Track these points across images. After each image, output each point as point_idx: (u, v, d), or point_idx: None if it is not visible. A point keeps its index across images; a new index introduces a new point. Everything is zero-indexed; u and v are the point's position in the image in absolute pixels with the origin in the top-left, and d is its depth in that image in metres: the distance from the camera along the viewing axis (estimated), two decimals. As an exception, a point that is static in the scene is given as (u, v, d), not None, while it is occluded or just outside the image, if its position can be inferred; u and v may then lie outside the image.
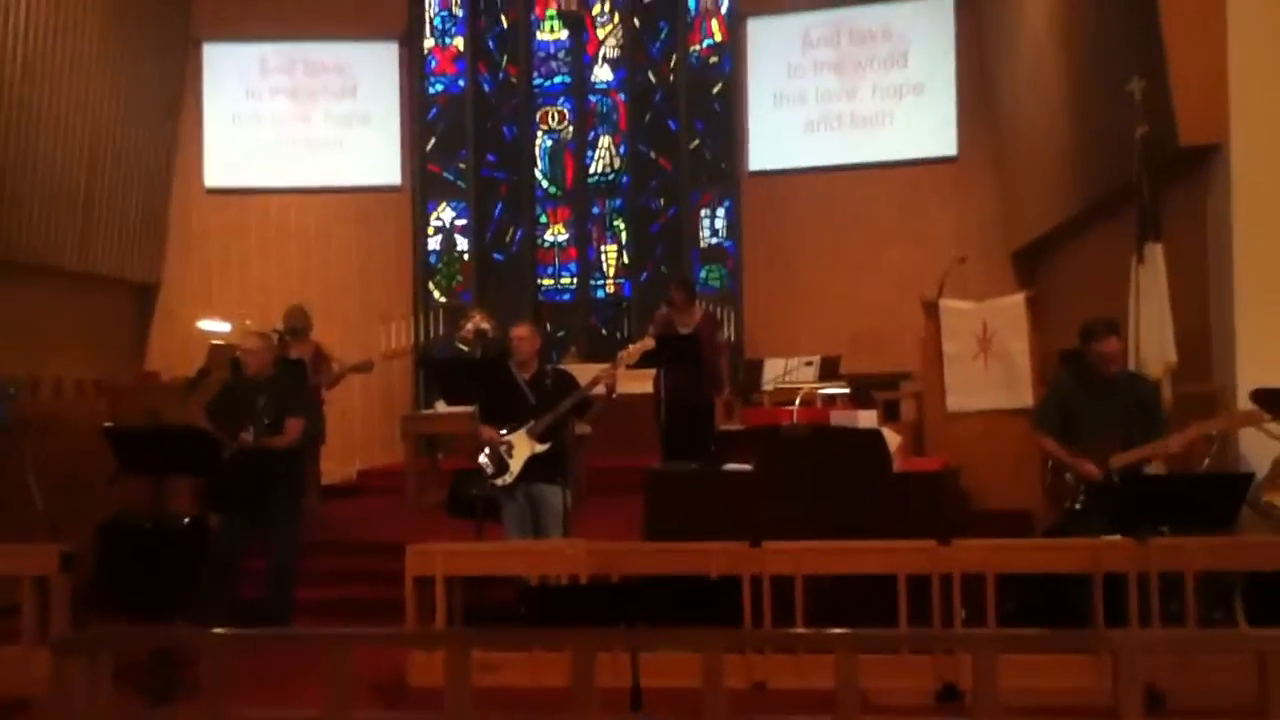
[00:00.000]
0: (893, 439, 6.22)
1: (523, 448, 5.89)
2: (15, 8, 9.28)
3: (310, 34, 12.03)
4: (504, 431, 5.94)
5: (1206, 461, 5.86)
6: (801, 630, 4.82)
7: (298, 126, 12.14)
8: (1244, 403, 5.74)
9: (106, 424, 6.33)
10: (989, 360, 7.05)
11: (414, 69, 12.47)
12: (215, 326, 10.20)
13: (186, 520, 6.27)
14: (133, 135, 11.09)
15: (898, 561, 4.97)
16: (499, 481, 5.90)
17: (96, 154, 10.56)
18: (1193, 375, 6.34)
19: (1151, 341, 6.19)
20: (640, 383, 7.87)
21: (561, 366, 7.23)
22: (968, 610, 4.88)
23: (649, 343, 6.39)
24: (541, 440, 5.89)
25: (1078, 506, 5.29)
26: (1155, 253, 6.29)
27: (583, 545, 5.33)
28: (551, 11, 12.72)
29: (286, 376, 6.39)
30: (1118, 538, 4.80)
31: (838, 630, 3.28)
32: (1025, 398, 6.81)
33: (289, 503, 6.22)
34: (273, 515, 6.06)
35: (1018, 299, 7.17)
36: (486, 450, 5.95)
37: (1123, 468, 5.16)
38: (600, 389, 6.00)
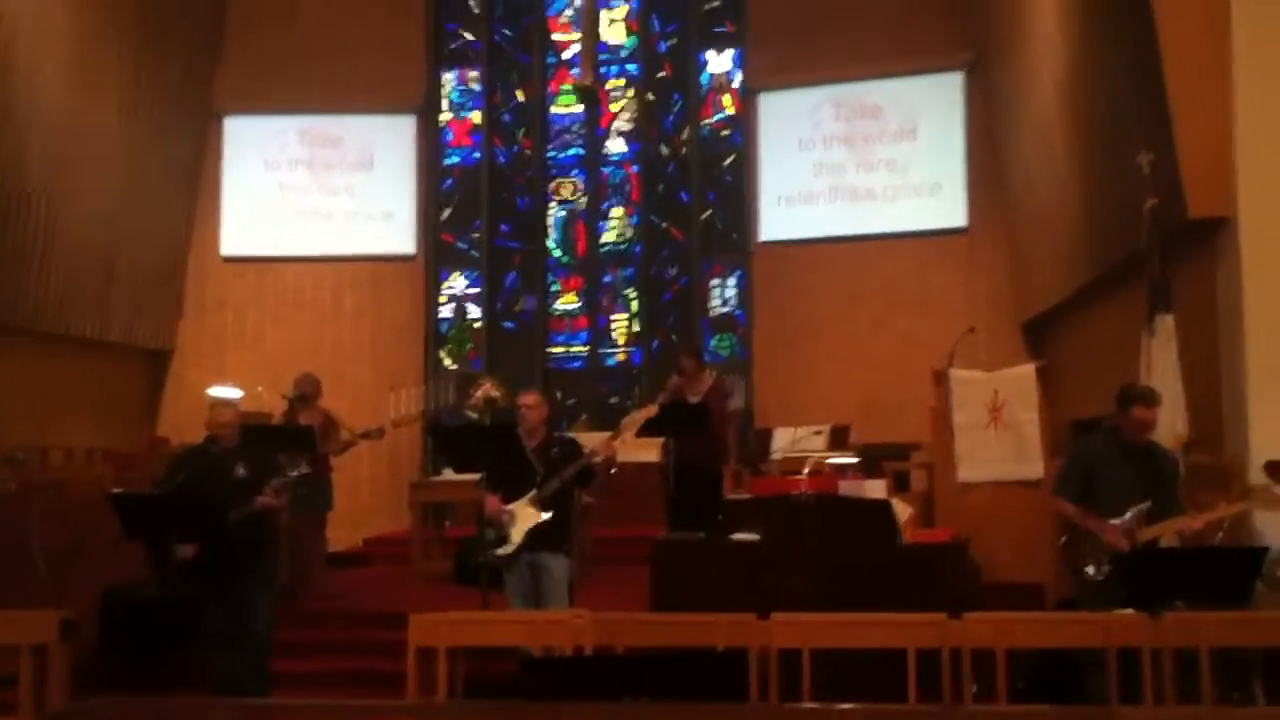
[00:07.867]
0: (902, 510, 6.14)
1: (525, 517, 5.83)
2: (40, 79, 9.50)
3: (329, 108, 12.28)
4: (508, 505, 5.89)
5: (1219, 535, 5.76)
6: (809, 705, 4.71)
7: (315, 197, 12.33)
8: (1257, 475, 5.67)
9: (114, 490, 6.33)
10: (999, 430, 7.00)
11: (430, 141, 12.67)
12: (226, 393, 10.22)
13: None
14: (153, 205, 11.27)
15: (907, 635, 4.88)
16: (500, 551, 5.85)
17: (117, 224, 10.73)
18: (1204, 446, 6.28)
19: (1163, 413, 6.13)
20: (647, 451, 7.83)
21: (569, 434, 7.19)
22: (979, 686, 4.78)
23: (652, 409, 6.38)
24: (544, 509, 5.84)
25: (1102, 575, 5.18)
26: (1166, 324, 6.29)
27: (588, 616, 5.24)
28: (567, 86, 12.95)
29: (256, 443, 6.32)
30: (1130, 611, 4.71)
31: (846, 705, 3.22)
32: (1036, 469, 6.76)
33: (266, 574, 6.13)
34: (250, 587, 5.95)
35: (1028, 369, 7.15)
36: (487, 520, 5.91)
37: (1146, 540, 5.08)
38: (599, 459, 5.93)
